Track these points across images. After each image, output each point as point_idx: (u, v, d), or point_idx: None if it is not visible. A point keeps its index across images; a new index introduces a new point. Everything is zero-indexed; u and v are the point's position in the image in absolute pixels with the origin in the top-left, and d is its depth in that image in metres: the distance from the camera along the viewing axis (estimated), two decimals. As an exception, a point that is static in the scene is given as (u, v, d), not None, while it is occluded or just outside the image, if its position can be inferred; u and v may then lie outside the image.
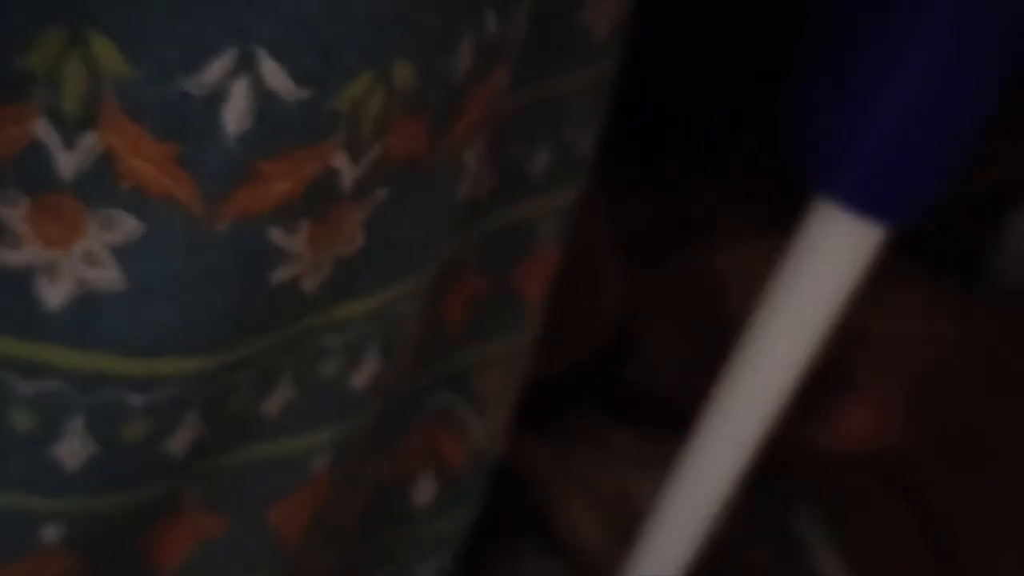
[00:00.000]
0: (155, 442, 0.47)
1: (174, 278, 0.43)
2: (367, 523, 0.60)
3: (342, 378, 0.50)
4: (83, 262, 0.43)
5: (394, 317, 0.50)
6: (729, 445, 0.59)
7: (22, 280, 0.43)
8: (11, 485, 0.46)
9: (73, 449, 0.46)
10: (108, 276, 0.43)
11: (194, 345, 0.45)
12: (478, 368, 0.59)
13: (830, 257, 0.54)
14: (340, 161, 0.43)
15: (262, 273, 0.44)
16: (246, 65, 0.40)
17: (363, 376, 0.50)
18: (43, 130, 0.41)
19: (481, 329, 0.58)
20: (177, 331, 0.45)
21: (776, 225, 0.55)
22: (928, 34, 0.48)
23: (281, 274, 0.45)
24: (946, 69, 0.49)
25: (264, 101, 0.41)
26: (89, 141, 0.41)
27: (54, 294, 0.44)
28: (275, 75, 0.41)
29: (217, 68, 0.40)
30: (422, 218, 0.48)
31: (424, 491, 0.61)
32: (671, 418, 0.63)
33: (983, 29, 0.48)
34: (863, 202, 0.52)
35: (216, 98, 0.41)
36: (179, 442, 0.48)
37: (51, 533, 0.47)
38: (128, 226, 0.43)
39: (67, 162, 0.42)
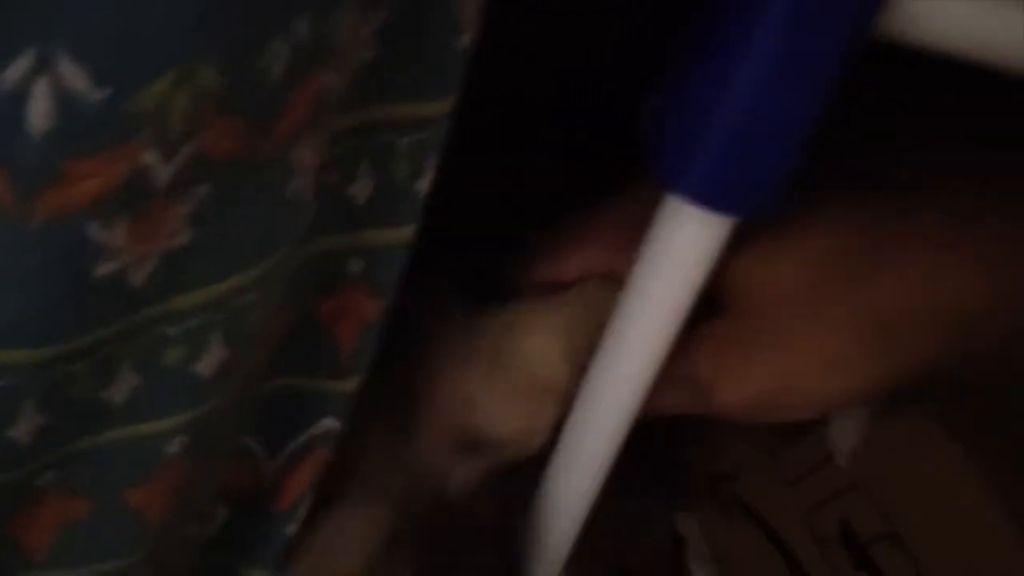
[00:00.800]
0: None
1: None
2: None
3: (187, 365, 0.51)
4: None
5: (238, 306, 0.50)
6: (595, 438, 0.59)
7: None
8: None
9: None
10: None
11: (23, 339, 0.46)
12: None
13: (682, 248, 0.54)
14: (150, 159, 0.44)
15: (83, 268, 0.45)
16: (45, 65, 0.41)
17: (210, 364, 0.51)
18: None
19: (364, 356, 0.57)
20: (4, 325, 0.45)
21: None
22: (760, 40, 0.49)
23: (104, 268, 0.46)
24: (777, 72, 0.49)
25: (65, 101, 0.42)
26: None
27: None
28: (74, 76, 0.41)
29: (18, 68, 0.41)
30: (254, 212, 0.48)
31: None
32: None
33: (811, 37, 0.49)
34: (707, 198, 0.53)
35: (20, 98, 0.42)
36: (22, 431, 0.49)
37: None
38: None
39: None
